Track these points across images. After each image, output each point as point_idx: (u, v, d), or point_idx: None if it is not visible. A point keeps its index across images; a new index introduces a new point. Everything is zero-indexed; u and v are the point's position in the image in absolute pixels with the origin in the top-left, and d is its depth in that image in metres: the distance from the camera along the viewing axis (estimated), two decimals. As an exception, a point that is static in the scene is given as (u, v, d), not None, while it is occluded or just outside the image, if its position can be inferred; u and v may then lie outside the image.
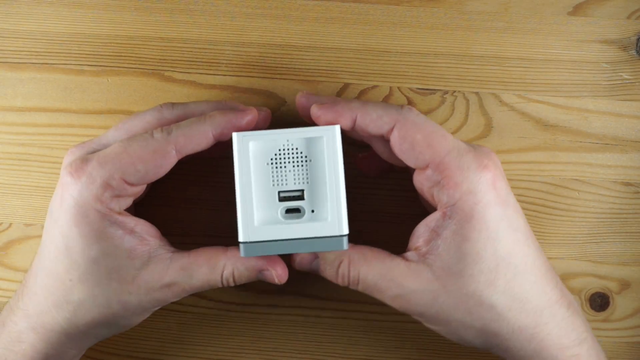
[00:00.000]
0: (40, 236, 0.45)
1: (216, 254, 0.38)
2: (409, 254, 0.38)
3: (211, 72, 0.46)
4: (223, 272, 0.38)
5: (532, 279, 0.37)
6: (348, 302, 0.45)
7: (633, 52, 0.45)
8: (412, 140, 0.36)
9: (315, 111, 0.38)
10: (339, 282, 0.39)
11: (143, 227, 0.38)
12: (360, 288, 0.38)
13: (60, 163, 0.45)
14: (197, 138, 0.37)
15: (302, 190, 0.37)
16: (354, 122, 0.37)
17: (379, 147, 0.39)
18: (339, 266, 0.38)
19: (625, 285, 0.45)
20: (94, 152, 0.38)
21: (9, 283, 0.45)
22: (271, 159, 0.37)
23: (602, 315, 0.45)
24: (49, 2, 0.46)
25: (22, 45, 0.46)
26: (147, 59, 0.46)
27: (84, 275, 0.37)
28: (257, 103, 0.46)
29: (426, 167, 0.37)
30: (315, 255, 0.39)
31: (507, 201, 0.37)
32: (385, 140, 0.38)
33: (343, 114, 0.37)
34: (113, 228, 0.37)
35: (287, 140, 0.37)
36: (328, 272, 0.39)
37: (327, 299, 0.45)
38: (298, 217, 0.37)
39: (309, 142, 0.37)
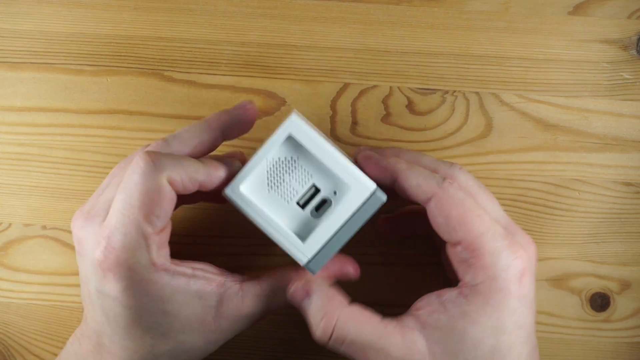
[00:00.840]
0: (40, 237, 0.45)
1: (288, 276, 0.38)
2: (406, 319, 0.36)
3: (211, 72, 0.46)
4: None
5: None
6: (348, 303, 0.45)
7: (633, 51, 0.45)
8: (447, 215, 0.35)
9: (360, 160, 0.38)
10: (315, 335, 0.36)
11: (200, 267, 0.37)
12: (342, 349, 0.36)
13: (60, 163, 0.45)
14: (187, 164, 0.36)
15: (313, 184, 0.37)
16: (394, 183, 0.36)
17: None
18: (322, 320, 0.36)
19: (625, 285, 0.45)
20: (103, 220, 0.36)
21: (8, 283, 0.45)
22: (268, 184, 0.37)
23: (603, 315, 0.45)
24: (49, 1, 0.46)
25: (21, 45, 0.46)
26: (147, 59, 0.46)
27: (166, 331, 0.36)
28: (257, 103, 0.45)
29: (458, 243, 0.35)
30: (307, 294, 0.37)
31: (526, 297, 0.35)
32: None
33: (384, 172, 0.37)
34: (176, 280, 0.36)
35: (267, 160, 0.37)
36: (310, 319, 0.37)
37: (327, 299, 0.45)
38: (329, 207, 0.37)
39: (285, 146, 0.36)
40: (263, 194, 0.37)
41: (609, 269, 0.45)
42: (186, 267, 0.37)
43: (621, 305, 0.45)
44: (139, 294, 0.35)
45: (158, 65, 0.46)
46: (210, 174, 0.36)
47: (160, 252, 0.36)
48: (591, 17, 0.45)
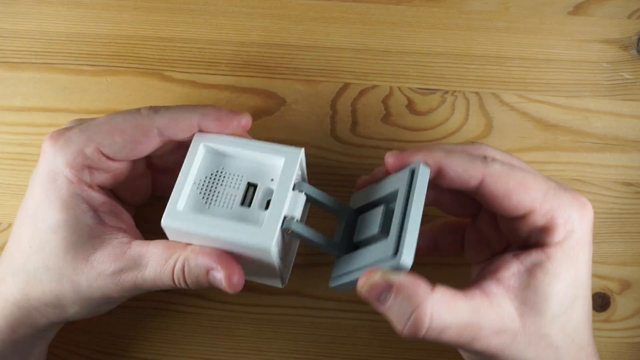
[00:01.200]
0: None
1: (175, 246, 0.36)
2: (488, 285, 0.35)
3: (211, 71, 0.46)
4: (175, 266, 0.35)
5: (588, 326, 0.36)
6: (348, 302, 0.45)
7: (634, 51, 0.45)
8: (505, 189, 0.34)
9: (389, 160, 0.35)
10: (406, 330, 0.32)
11: (112, 209, 0.37)
12: (436, 337, 0.32)
13: (60, 163, 0.45)
14: (183, 123, 0.36)
15: (247, 183, 0.36)
16: (437, 172, 0.35)
17: (446, 199, 0.38)
18: (414, 310, 0.31)
19: (626, 285, 0.45)
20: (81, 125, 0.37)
21: (8, 283, 0.45)
22: (206, 202, 0.36)
23: (603, 315, 0.45)
24: (49, 1, 0.46)
25: (21, 45, 0.46)
26: (147, 59, 0.46)
27: (42, 243, 0.36)
28: (257, 103, 0.45)
29: (523, 214, 0.35)
30: (390, 286, 0.32)
31: (591, 241, 0.36)
32: (464, 192, 0.36)
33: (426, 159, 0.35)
34: (78, 200, 0.36)
35: (194, 183, 0.36)
36: (396, 313, 0.32)
37: (327, 299, 0.45)
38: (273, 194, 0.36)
39: (204, 163, 0.36)
40: (204, 211, 0.36)
41: (609, 269, 0.45)
42: (98, 197, 0.37)
43: (621, 305, 0.45)
44: (44, 187, 0.36)
45: (158, 65, 0.46)
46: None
47: (91, 173, 0.36)
48: (591, 17, 0.45)
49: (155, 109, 0.37)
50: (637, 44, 0.45)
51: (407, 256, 0.31)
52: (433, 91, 0.45)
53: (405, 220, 0.32)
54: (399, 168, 0.36)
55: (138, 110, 0.37)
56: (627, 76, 0.45)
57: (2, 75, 0.46)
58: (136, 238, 0.37)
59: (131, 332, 0.44)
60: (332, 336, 0.45)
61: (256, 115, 0.45)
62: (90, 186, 0.37)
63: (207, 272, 0.35)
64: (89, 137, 0.36)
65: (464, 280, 0.44)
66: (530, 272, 0.35)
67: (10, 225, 0.45)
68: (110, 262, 0.35)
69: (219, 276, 0.35)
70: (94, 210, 0.37)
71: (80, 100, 0.46)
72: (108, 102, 0.46)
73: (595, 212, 0.45)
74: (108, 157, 0.36)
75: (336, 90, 0.46)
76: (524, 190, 0.34)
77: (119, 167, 0.37)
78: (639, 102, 0.45)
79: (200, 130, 0.37)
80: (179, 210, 0.35)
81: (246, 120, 0.37)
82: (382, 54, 0.46)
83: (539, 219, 0.35)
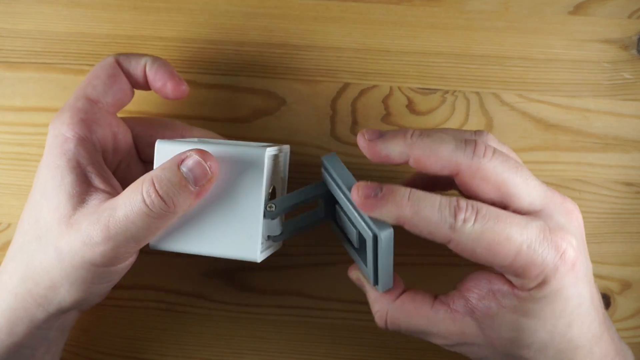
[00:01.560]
0: (39, 236, 0.45)
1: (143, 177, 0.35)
2: (456, 302, 0.36)
3: (211, 71, 0.46)
4: (142, 187, 0.33)
5: (582, 343, 0.35)
6: (348, 302, 0.45)
7: (634, 51, 0.45)
8: (472, 255, 0.33)
9: (361, 142, 0.35)
10: (377, 324, 0.39)
11: (101, 172, 0.37)
12: (402, 333, 0.39)
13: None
14: (135, 62, 0.39)
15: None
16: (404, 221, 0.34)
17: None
18: (375, 313, 0.39)
19: (626, 285, 0.45)
20: None
21: (8, 283, 0.45)
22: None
23: (603, 315, 0.45)
24: (48, 1, 0.46)
25: (21, 45, 0.46)
26: (147, 59, 0.46)
27: (36, 214, 0.36)
28: (257, 103, 0.45)
29: (500, 269, 0.34)
30: (363, 286, 0.40)
31: (582, 278, 0.34)
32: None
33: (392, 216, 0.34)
34: (67, 156, 0.36)
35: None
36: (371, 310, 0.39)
37: (327, 299, 0.45)
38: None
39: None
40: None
41: (609, 269, 0.45)
42: (87, 159, 0.37)
43: (622, 305, 0.45)
44: (49, 147, 0.37)
45: (158, 65, 0.46)
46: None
47: (85, 124, 0.37)
48: (591, 17, 0.45)
49: (116, 54, 0.40)
50: (638, 44, 0.45)
51: (384, 289, 0.38)
52: (433, 91, 0.45)
53: (379, 267, 0.37)
54: (372, 156, 0.35)
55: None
56: (628, 76, 0.45)
57: (2, 75, 0.46)
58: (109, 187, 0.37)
59: (131, 332, 0.44)
60: (332, 336, 0.45)
61: (256, 115, 0.45)
62: (86, 140, 0.37)
63: (178, 167, 0.34)
64: (75, 95, 0.38)
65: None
66: (498, 302, 0.35)
67: (10, 225, 0.45)
68: (86, 221, 0.34)
69: (192, 160, 0.34)
70: (81, 167, 0.36)
71: (80, 100, 0.46)
72: (108, 102, 0.45)
73: (595, 212, 0.45)
74: (98, 103, 0.38)
75: (336, 90, 0.46)
76: (492, 255, 0.33)
77: (114, 121, 0.39)
78: (639, 102, 0.45)
79: (149, 76, 0.39)
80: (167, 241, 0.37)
81: (184, 87, 0.40)
82: (382, 54, 0.46)
83: (510, 273, 0.34)
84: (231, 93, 0.46)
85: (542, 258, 0.33)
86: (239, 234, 0.36)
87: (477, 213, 0.33)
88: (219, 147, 0.36)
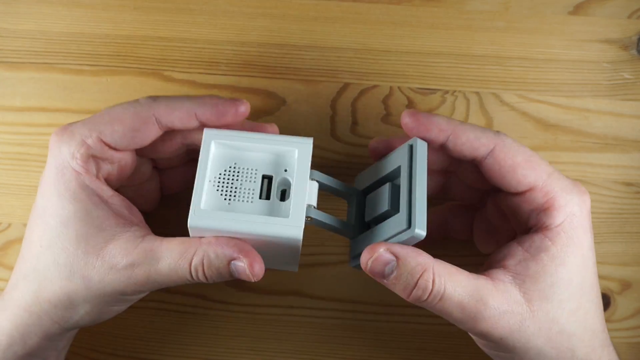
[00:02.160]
0: (39, 236, 0.45)
1: (190, 241, 0.35)
2: (495, 272, 0.35)
3: (211, 71, 0.46)
4: (193, 259, 0.35)
5: (599, 312, 0.36)
6: (348, 302, 0.45)
7: (634, 51, 0.45)
8: (513, 162, 0.35)
9: (405, 119, 0.36)
10: (412, 296, 0.34)
11: (122, 202, 0.37)
12: (439, 306, 0.34)
13: (60, 163, 0.45)
14: (179, 111, 0.36)
15: (262, 175, 0.37)
16: (447, 138, 0.36)
17: (462, 173, 0.39)
18: (420, 276, 0.33)
19: (626, 285, 0.45)
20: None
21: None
22: (225, 198, 0.36)
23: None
24: (49, 1, 0.46)
25: (21, 45, 0.46)
26: (147, 59, 0.46)
27: (53, 239, 0.36)
28: (257, 103, 0.45)
29: (526, 190, 0.36)
30: (394, 258, 0.33)
31: (591, 228, 0.37)
32: (474, 164, 0.37)
33: (435, 128, 0.36)
34: (88, 191, 0.36)
35: (209, 181, 0.36)
36: (403, 281, 0.33)
37: (327, 299, 0.45)
38: (289, 184, 0.36)
39: (217, 160, 0.37)
40: (227, 208, 0.36)
41: (609, 269, 0.45)
42: (107, 190, 0.37)
43: (621, 305, 0.45)
44: (53, 181, 0.36)
45: (158, 65, 0.46)
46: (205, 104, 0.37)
47: (96, 162, 0.37)
48: (591, 17, 0.45)
49: (153, 98, 0.37)
50: (637, 44, 0.45)
51: (420, 226, 0.33)
52: (433, 91, 0.45)
53: (413, 193, 0.34)
54: (416, 131, 0.36)
55: (137, 100, 0.37)
56: (627, 76, 0.45)
57: (2, 75, 0.46)
58: (146, 230, 0.37)
59: (131, 332, 0.44)
60: (332, 336, 0.45)
61: (256, 115, 0.45)
62: (97, 177, 0.37)
63: (229, 262, 0.35)
64: (90, 128, 0.36)
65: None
66: (536, 258, 0.35)
67: (10, 225, 0.45)
68: (123, 255, 0.35)
69: (241, 265, 0.34)
70: (105, 202, 0.36)
71: (80, 100, 0.46)
72: (108, 102, 0.45)
73: (595, 212, 0.45)
74: (110, 146, 0.37)
75: (336, 90, 0.46)
76: (529, 166, 0.35)
77: (123, 158, 0.37)
78: (639, 102, 0.45)
79: (200, 121, 0.37)
80: (204, 209, 0.35)
81: (244, 107, 0.37)
82: (382, 54, 0.46)
83: (540, 197, 0.35)
84: (231, 93, 0.46)
85: (570, 189, 0.36)
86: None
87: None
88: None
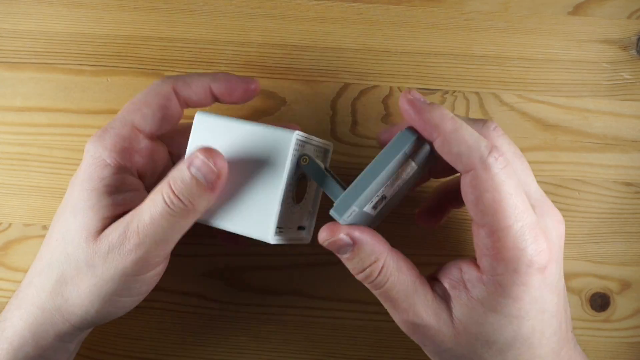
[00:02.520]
0: (40, 237, 0.45)
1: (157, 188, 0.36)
2: (436, 284, 0.36)
3: (211, 71, 0.46)
4: (162, 189, 0.35)
5: (540, 353, 0.35)
6: (348, 302, 0.45)
7: (633, 51, 0.45)
8: (479, 196, 0.33)
9: (404, 105, 0.34)
10: (359, 276, 0.36)
11: (136, 197, 0.37)
12: (377, 294, 0.36)
13: (60, 163, 0.45)
14: (195, 86, 0.39)
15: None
16: (434, 139, 0.34)
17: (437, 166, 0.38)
18: (370, 265, 0.35)
19: (625, 285, 0.45)
20: None
21: (8, 283, 0.45)
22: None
23: (603, 315, 0.45)
24: (49, 1, 0.46)
25: (21, 45, 0.46)
26: (147, 59, 0.46)
27: (65, 232, 0.37)
28: (257, 103, 0.45)
29: (483, 226, 0.34)
30: (352, 243, 0.35)
31: (550, 283, 0.34)
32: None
33: (425, 126, 0.34)
34: (105, 182, 0.37)
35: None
36: (354, 263, 0.35)
37: (327, 299, 0.45)
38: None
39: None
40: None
41: (609, 269, 0.45)
42: (117, 179, 0.37)
43: (621, 305, 0.45)
44: (81, 171, 0.37)
45: (158, 65, 0.46)
46: (226, 80, 0.39)
47: (125, 153, 0.37)
48: (591, 17, 0.45)
49: (170, 77, 0.39)
50: (637, 44, 0.45)
51: (337, 209, 0.34)
52: (433, 91, 0.45)
53: (358, 177, 0.34)
54: (410, 120, 0.34)
55: (153, 82, 0.39)
56: (627, 76, 0.45)
57: (2, 75, 0.46)
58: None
59: (131, 332, 0.45)
60: (332, 336, 0.45)
61: (256, 115, 0.45)
62: (126, 169, 0.38)
63: (188, 167, 0.35)
64: (122, 120, 0.38)
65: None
66: (468, 291, 0.35)
67: (10, 225, 0.45)
68: (117, 233, 0.36)
69: (199, 159, 0.34)
70: (119, 194, 0.37)
71: (80, 100, 0.46)
72: (108, 102, 0.46)
73: (595, 212, 0.45)
74: (143, 132, 0.38)
75: (336, 90, 0.46)
76: (493, 208, 0.33)
77: (154, 148, 0.39)
78: (638, 102, 0.45)
79: (214, 95, 0.39)
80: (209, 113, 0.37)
81: (254, 85, 0.40)
82: (382, 54, 0.46)
83: (486, 240, 0.34)
84: (231, 93, 0.46)
85: (524, 245, 0.33)
86: (258, 213, 0.36)
87: (508, 163, 0.33)
88: (252, 127, 0.36)
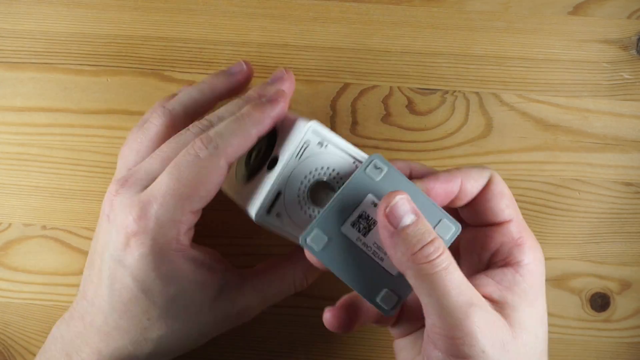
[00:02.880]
0: (40, 236, 0.45)
1: (283, 265, 0.40)
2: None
3: (211, 71, 0.46)
4: (295, 280, 0.39)
5: None
6: (348, 302, 0.45)
7: (633, 51, 0.45)
8: (502, 194, 0.36)
9: (432, 185, 0.35)
10: (422, 251, 0.32)
11: (209, 256, 0.38)
12: (433, 277, 0.32)
13: (60, 163, 0.45)
14: (244, 143, 0.36)
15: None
16: (461, 185, 0.36)
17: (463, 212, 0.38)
18: (432, 240, 0.32)
19: (625, 285, 0.45)
20: (142, 189, 0.36)
21: (8, 283, 0.45)
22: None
23: (603, 315, 0.45)
24: (49, 1, 0.46)
25: (21, 45, 0.46)
26: (147, 59, 0.46)
27: (163, 313, 0.36)
28: (257, 103, 0.45)
29: (504, 222, 0.36)
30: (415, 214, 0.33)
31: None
32: (468, 202, 0.37)
33: (453, 181, 0.36)
34: (187, 264, 0.36)
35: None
36: (417, 235, 0.32)
37: (327, 299, 0.45)
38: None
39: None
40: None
41: (609, 269, 0.45)
42: (198, 252, 0.37)
43: (621, 305, 0.45)
44: (152, 268, 0.35)
45: (158, 65, 0.46)
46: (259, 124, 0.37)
47: (187, 233, 0.36)
48: (591, 17, 0.45)
49: (212, 145, 0.35)
50: (637, 44, 0.45)
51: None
52: (433, 91, 0.45)
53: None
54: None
55: (194, 154, 0.35)
56: (627, 76, 0.45)
57: (2, 75, 0.46)
58: (232, 269, 0.39)
59: (131, 332, 0.44)
60: (332, 336, 0.45)
61: (256, 115, 0.45)
62: (191, 247, 0.37)
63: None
64: (180, 208, 0.35)
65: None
66: (512, 291, 0.34)
67: (10, 225, 0.45)
68: (232, 306, 0.38)
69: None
70: (201, 266, 0.37)
71: (80, 100, 0.46)
72: (108, 102, 0.46)
73: (595, 212, 0.45)
74: (196, 212, 0.36)
75: (336, 90, 0.46)
76: (511, 202, 0.36)
77: (200, 213, 0.37)
78: (639, 102, 0.45)
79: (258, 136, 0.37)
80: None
81: (284, 102, 0.38)
82: (382, 54, 0.46)
83: (516, 232, 0.36)
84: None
85: (534, 239, 0.36)
86: (259, 191, 0.36)
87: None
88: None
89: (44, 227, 0.45)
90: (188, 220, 0.36)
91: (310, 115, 0.45)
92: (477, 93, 0.45)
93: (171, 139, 0.38)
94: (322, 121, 0.45)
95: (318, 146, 0.36)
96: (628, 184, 0.45)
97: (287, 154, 0.36)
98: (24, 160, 0.46)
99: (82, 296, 0.38)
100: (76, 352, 0.37)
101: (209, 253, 0.38)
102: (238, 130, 0.36)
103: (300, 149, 0.36)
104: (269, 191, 0.35)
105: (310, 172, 0.36)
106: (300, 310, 0.45)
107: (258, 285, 0.39)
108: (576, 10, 0.45)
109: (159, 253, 0.35)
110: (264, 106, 0.37)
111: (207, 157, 0.35)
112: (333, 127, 0.45)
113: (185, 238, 0.36)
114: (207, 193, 0.35)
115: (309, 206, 0.37)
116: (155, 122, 0.39)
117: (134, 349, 0.37)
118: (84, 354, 0.37)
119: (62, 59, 0.46)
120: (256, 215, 0.36)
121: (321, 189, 0.37)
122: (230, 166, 0.36)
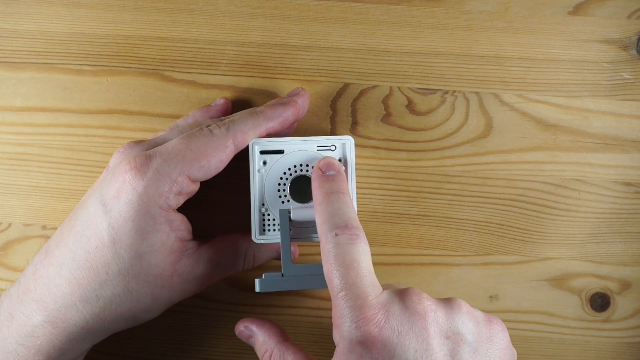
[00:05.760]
0: (40, 236, 0.45)
1: (238, 240, 0.41)
2: None
3: (211, 71, 0.46)
4: (245, 255, 0.41)
5: None
6: (348, 303, 0.45)
7: (633, 51, 0.45)
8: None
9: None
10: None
11: (184, 224, 0.39)
12: None
13: (60, 163, 0.45)
14: (254, 132, 0.39)
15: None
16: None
17: None
18: (263, 354, 0.38)
19: (625, 285, 0.45)
20: (152, 148, 0.38)
21: (8, 283, 0.45)
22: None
23: (603, 315, 0.45)
24: (49, 1, 0.46)
25: (21, 45, 0.46)
26: (147, 59, 0.46)
27: (124, 269, 0.37)
28: (257, 103, 0.45)
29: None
30: (251, 335, 0.39)
31: None
32: None
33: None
34: (165, 225, 0.37)
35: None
36: (257, 353, 0.39)
37: (327, 298, 0.45)
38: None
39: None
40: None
41: (609, 269, 0.45)
42: (177, 217, 0.38)
43: (621, 305, 0.45)
44: (132, 217, 0.36)
45: (158, 65, 0.46)
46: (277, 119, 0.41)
47: (177, 197, 0.38)
48: (591, 17, 0.45)
49: (226, 126, 0.39)
50: (637, 44, 0.45)
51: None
52: (433, 91, 0.45)
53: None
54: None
55: (209, 129, 0.38)
56: (627, 76, 0.45)
57: (2, 75, 0.46)
58: (193, 239, 0.40)
59: (131, 332, 0.44)
60: (332, 336, 0.45)
61: (256, 115, 0.45)
62: (175, 210, 0.38)
63: (276, 250, 0.43)
64: (178, 167, 0.37)
65: (463, 280, 0.44)
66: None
67: (10, 225, 0.45)
68: (190, 272, 0.39)
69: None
70: (176, 230, 0.38)
71: (80, 100, 0.46)
72: (108, 102, 0.46)
73: (595, 212, 0.45)
74: (194, 181, 0.38)
75: (336, 90, 0.46)
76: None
77: (197, 186, 0.39)
78: (639, 102, 0.45)
79: (269, 134, 0.41)
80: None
81: (295, 108, 0.42)
82: (382, 54, 0.46)
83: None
84: (231, 93, 0.46)
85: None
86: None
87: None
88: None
89: (44, 227, 0.45)
90: (182, 182, 0.37)
91: (311, 115, 0.45)
92: (477, 93, 0.45)
93: (192, 123, 0.41)
94: (322, 121, 0.45)
95: (276, 155, 0.40)
96: (628, 184, 0.45)
97: (250, 173, 0.40)
98: (24, 160, 0.46)
99: (42, 251, 0.39)
100: (20, 310, 0.37)
101: (184, 222, 0.39)
102: (250, 120, 0.39)
103: (256, 163, 0.40)
104: (253, 211, 0.40)
105: (280, 178, 0.40)
106: (300, 310, 0.45)
107: (214, 257, 0.40)
108: (576, 10, 0.45)
109: (145, 205, 0.36)
110: (277, 106, 0.41)
111: (217, 134, 0.38)
112: (333, 127, 0.45)
113: (173, 199, 0.37)
114: (208, 165, 0.38)
115: (294, 204, 0.40)
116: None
117: (82, 307, 0.37)
118: (28, 310, 0.37)
119: (61, 59, 0.46)
120: (256, 239, 0.40)
121: (301, 182, 0.40)
122: (236, 152, 0.39)
